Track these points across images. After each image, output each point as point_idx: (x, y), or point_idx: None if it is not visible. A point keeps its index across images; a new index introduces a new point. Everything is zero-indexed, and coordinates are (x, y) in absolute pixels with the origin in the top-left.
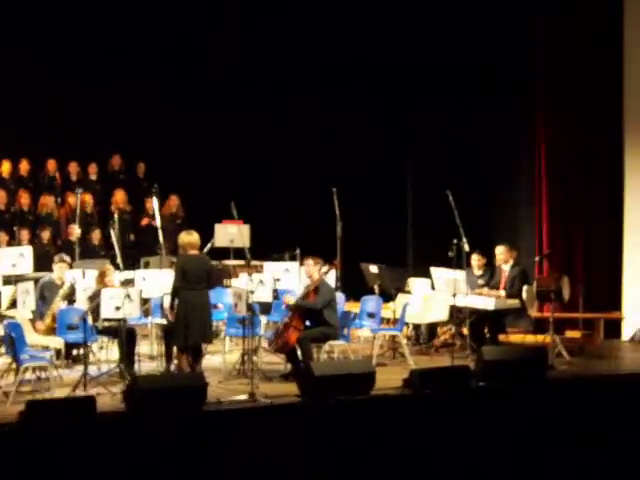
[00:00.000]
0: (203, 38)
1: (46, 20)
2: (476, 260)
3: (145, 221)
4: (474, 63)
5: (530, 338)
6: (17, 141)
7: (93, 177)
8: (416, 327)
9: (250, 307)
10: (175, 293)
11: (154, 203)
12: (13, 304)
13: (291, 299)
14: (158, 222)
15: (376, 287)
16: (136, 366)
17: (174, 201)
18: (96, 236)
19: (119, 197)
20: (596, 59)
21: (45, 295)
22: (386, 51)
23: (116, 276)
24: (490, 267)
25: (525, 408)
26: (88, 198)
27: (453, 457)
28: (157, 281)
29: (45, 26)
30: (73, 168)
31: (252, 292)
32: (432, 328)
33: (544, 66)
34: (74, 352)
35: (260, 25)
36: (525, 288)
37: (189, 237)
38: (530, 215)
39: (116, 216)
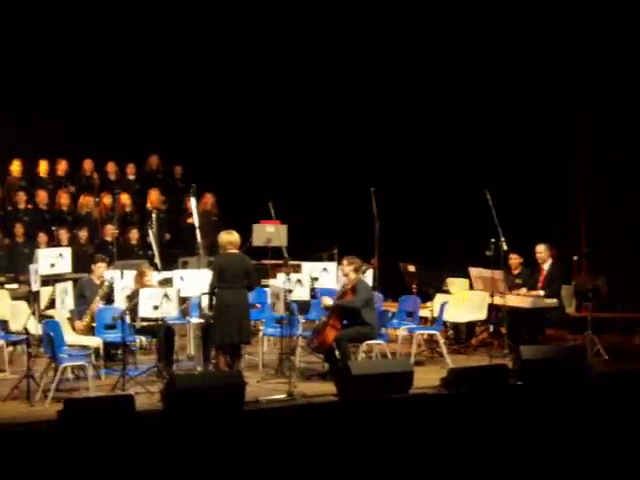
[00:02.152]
0: (240, 42)
1: (84, 22)
2: (514, 259)
3: (190, 220)
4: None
5: (569, 337)
6: (55, 141)
7: (131, 177)
8: (454, 326)
9: (288, 307)
10: (212, 292)
11: (192, 202)
12: (52, 304)
13: (329, 301)
14: (196, 222)
15: (414, 286)
16: (174, 365)
17: (209, 199)
18: (134, 236)
19: (155, 197)
20: None
21: (84, 295)
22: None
23: (154, 276)
24: (527, 266)
25: (563, 407)
26: (126, 198)
27: (491, 456)
28: (195, 280)
29: (82, 26)
30: (111, 168)
31: (290, 292)
32: (470, 327)
33: None
34: (112, 352)
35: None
36: (564, 287)
37: (229, 236)
38: (569, 214)
39: (153, 216)
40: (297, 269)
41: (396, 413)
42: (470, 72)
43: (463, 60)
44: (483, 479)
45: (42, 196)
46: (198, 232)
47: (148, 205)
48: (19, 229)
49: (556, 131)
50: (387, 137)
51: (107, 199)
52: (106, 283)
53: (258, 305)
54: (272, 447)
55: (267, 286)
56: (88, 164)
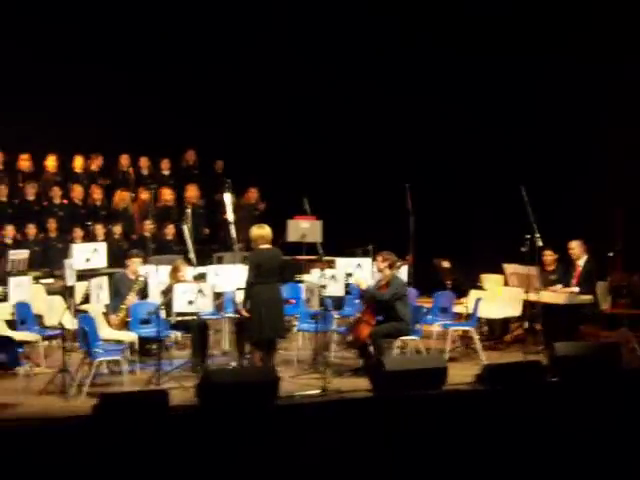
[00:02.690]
0: (277, 37)
1: (110, 16)
2: (548, 256)
3: (225, 216)
4: None
5: (603, 334)
6: (90, 136)
7: (166, 172)
8: (488, 322)
9: (322, 302)
10: (249, 288)
11: (226, 198)
12: (87, 299)
13: (363, 282)
14: (230, 217)
15: (448, 282)
16: (208, 360)
17: (253, 193)
18: (170, 231)
19: (192, 192)
20: None
21: (119, 290)
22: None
23: (189, 271)
24: (562, 263)
25: (598, 404)
26: (162, 193)
27: (525, 453)
28: (230, 276)
29: (118, 21)
30: (144, 163)
31: (324, 287)
32: (504, 324)
33: None
34: (147, 347)
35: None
36: (599, 284)
37: (260, 231)
38: (604, 210)
39: (189, 211)
40: (331, 265)
41: (430, 409)
42: (504, 69)
43: (498, 58)
44: (518, 477)
45: (77, 191)
46: (232, 227)
47: (185, 201)
48: (53, 224)
49: (590, 126)
50: (423, 133)
51: (144, 194)
52: (141, 278)
53: (292, 300)
54: (305, 443)
55: (301, 282)
56: (124, 159)
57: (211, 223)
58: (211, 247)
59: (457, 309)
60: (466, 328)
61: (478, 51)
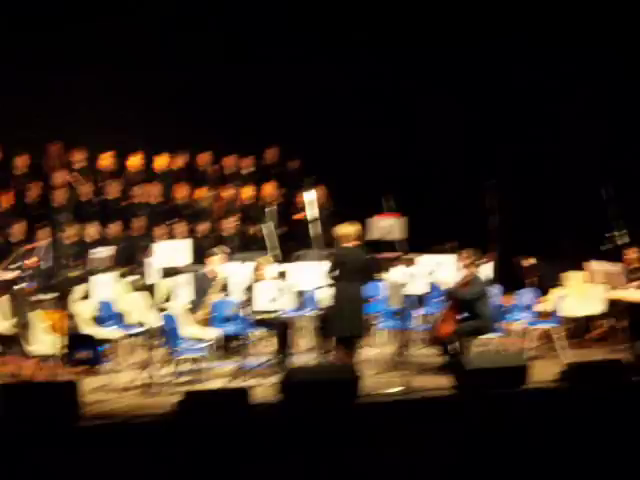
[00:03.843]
0: (355, 36)
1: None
2: (631, 253)
3: (298, 216)
4: None
5: None
6: (172, 135)
7: (248, 170)
8: (571, 321)
9: (403, 300)
10: (330, 285)
11: (306, 196)
12: (170, 296)
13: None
14: (309, 215)
15: (531, 280)
16: (291, 358)
17: (321, 192)
18: (252, 229)
19: (272, 190)
20: None
21: (200, 288)
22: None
23: (271, 268)
24: None
25: None
26: (243, 191)
27: (610, 451)
28: (310, 274)
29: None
30: (228, 162)
31: (405, 285)
32: (587, 322)
33: None
34: (229, 344)
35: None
36: None
37: (344, 229)
38: None
39: (269, 209)
40: (413, 262)
41: (511, 407)
42: (586, 63)
43: (581, 50)
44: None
45: (159, 189)
46: (311, 226)
47: (265, 199)
48: (137, 222)
49: None
50: (508, 130)
51: (226, 192)
52: (222, 276)
53: (374, 298)
54: (386, 441)
55: (382, 279)
56: (204, 157)
57: (288, 221)
58: (289, 245)
59: (539, 307)
60: (548, 326)
61: (563, 43)
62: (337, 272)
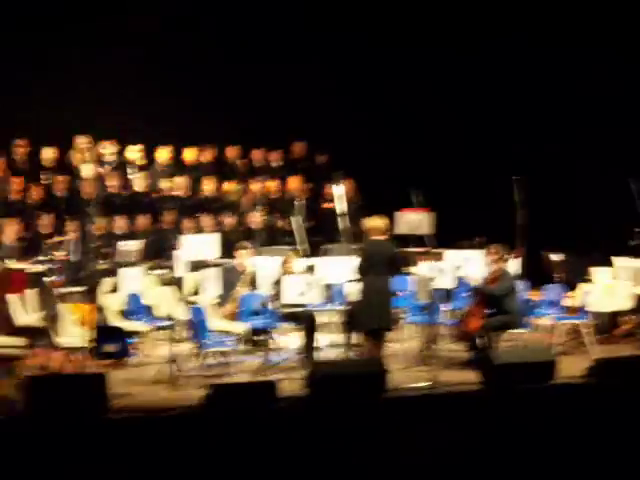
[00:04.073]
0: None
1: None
2: None
3: (326, 205)
4: None
5: None
6: (201, 128)
7: (276, 164)
8: (598, 316)
9: (431, 294)
10: (359, 279)
11: (335, 189)
12: (197, 290)
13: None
14: (338, 209)
15: (558, 276)
16: (318, 352)
17: (349, 186)
18: (279, 223)
19: (298, 184)
20: None
21: (228, 281)
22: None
23: (299, 262)
24: None
25: None
26: (271, 185)
27: (638, 446)
28: (338, 268)
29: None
30: (256, 155)
31: (433, 279)
32: (614, 317)
33: None
34: (257, 337)
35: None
36: None
37: (373, 222)
38: None
39: (296, 203)
40: (441, 257)
41: (539, 402)
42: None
43: (605, 50)
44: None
45: (187, 183)
46: (340, 220)
47: (292, 192)
48: (166, 216)
49: None
50: (535, 125)
51: (254, 186)
52: (250, 269)
53: (402, 292)
54: (413, 436)
55: (410, 273)
56: (233, 151)
57: (315, 215)
58: (316, 239)
59: (567, 302)
60: (576, 321)
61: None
62: (366, 265)
